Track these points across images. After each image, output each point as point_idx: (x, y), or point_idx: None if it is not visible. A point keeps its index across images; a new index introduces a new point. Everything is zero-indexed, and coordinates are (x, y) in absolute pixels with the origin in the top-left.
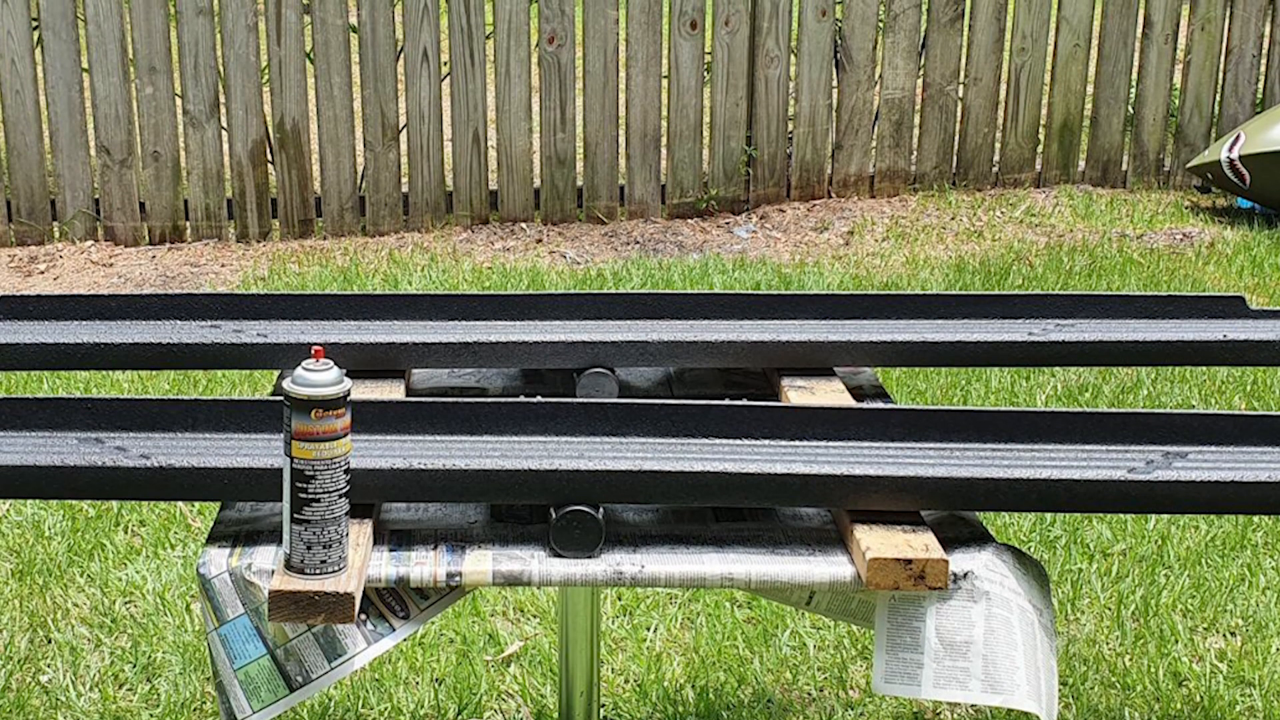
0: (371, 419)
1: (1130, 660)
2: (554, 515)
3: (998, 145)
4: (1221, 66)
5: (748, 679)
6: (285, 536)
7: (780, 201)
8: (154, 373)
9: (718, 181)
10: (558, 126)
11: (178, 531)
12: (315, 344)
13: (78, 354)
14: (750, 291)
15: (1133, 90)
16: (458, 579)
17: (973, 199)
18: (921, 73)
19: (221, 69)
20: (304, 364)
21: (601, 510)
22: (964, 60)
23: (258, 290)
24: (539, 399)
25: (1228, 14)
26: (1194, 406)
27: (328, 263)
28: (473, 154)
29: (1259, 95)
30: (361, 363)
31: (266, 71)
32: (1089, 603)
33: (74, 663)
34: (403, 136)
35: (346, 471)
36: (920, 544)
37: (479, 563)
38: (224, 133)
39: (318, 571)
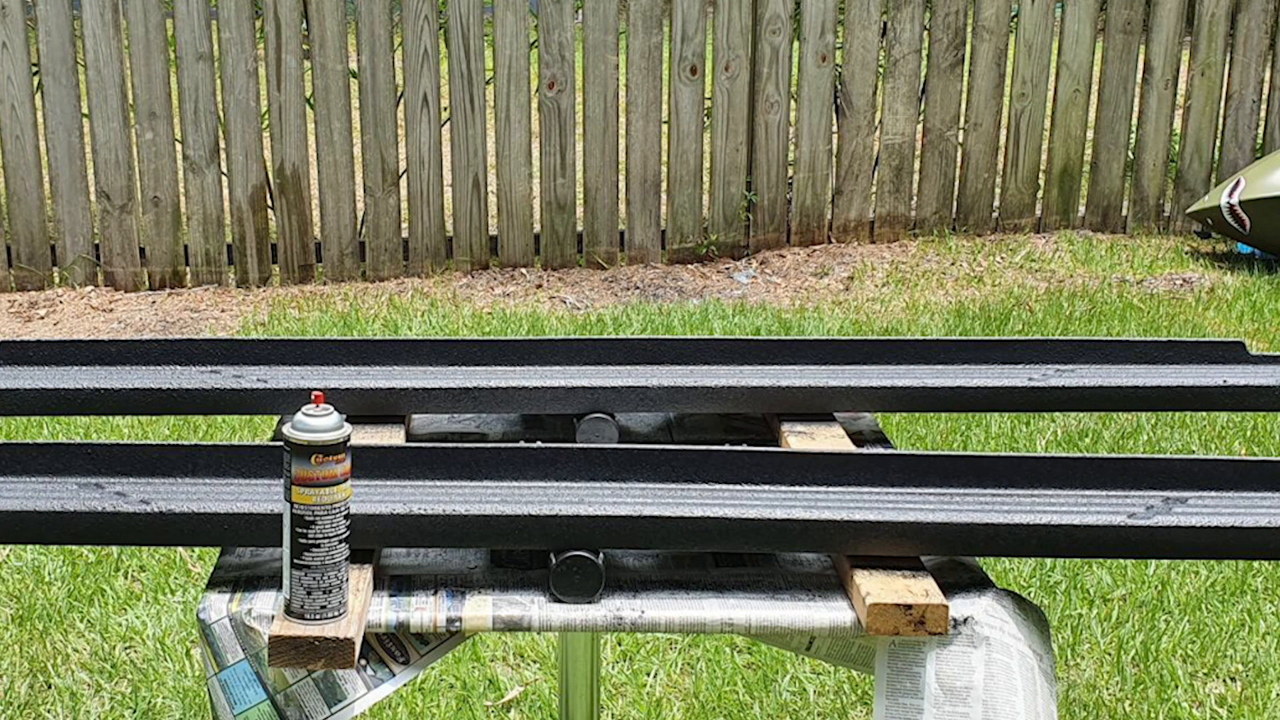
0: (371, 464)
1: (1130, 706)
2: (554, 560)
3: (998, 190)
4: (1221, 112)
5: None
6: (285, 582)
7: (780, 247)
8: (154, 418)
9: (718, 227)
10: (558, 172)
11: (178, 577)
12: (315, 389)
13: (78, 399)
14: (750, 337)
15: (1133, 135)
16: (458, 624)
17: (973, 244)
18: (921, 118)
19: (222, 114)
20: (304, 409)
21: (601, 555)
22: (964, 105)
23: (258, 336)
24: (539, 444)
25: (1228, 59)
26: (1194, 452)
27: (328, 308)
28: (473, 199)
29: (1259, 141)
30: (361, 408)
31: (266, 117)
32: (1089, 648)
33: (74, 708)
34: (403, 182)
35: (346, 517)
36: (920, 589)
37: (479, 608)
38: (224, 178)
39: (318, 617)
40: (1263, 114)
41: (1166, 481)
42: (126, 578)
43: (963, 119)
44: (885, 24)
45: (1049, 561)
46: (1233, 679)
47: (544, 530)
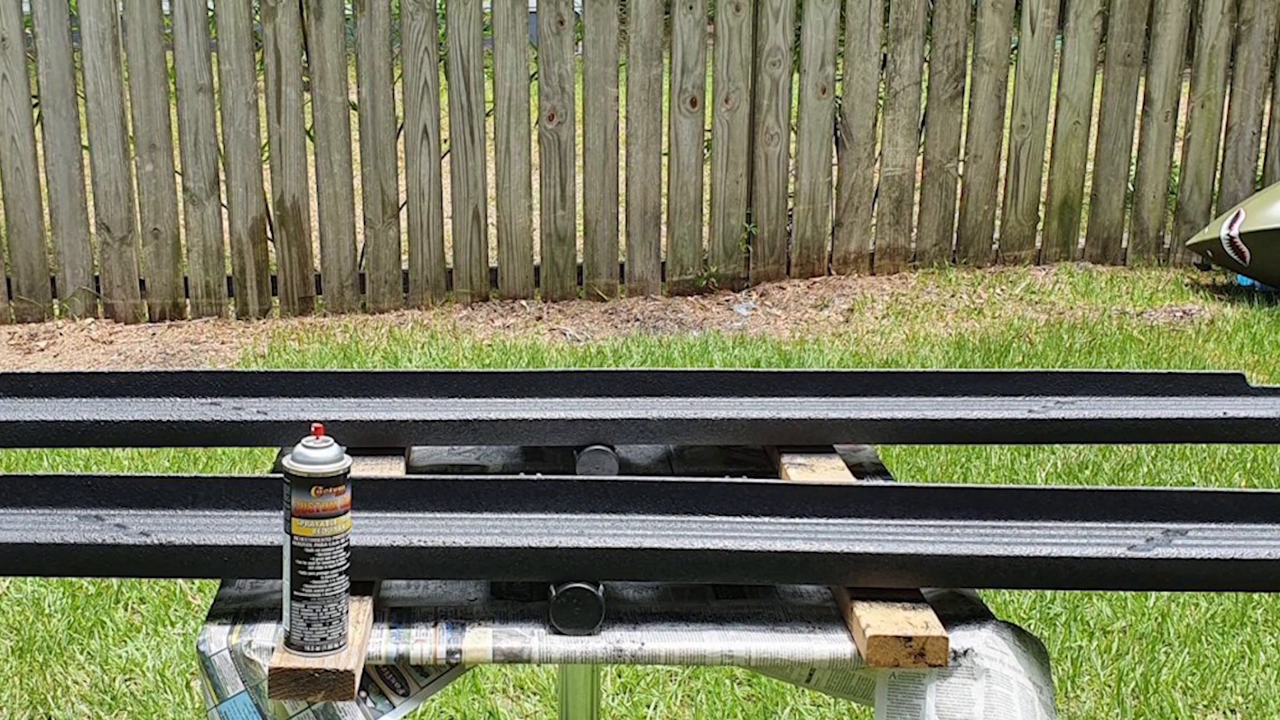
0: (371, 496)
1: None
2: (554, 592)
3: (998, 222)
4: (1221, 144)
5: None
6: (285, 614)
7: (780, 279)
8: (154, 450)
9: (718, 259)
10: (558, 204)
11: (178, 609)
12: (315, 421)
13: (78, 431)
14: (750, 369)
15: (1133, 167)
16: (458, 656)
17: (973, 276)
18: (921, 150)
19: (221, 146)
20: (304, 441)
21: (601, 587)
22: (964, 137)
23: (258, 368)
24: (539, 476)
25: (1228, 91)
26: (1194, 484)
27: (328, 340)
28: (473, 231)
29: (1259, 173)
30: (362, 440)
31: (266, 149)
32: (1089, 680)
33: None
34: (403, 214)
35: (346, 549)
36: (920, 621)
37: (479, 640)
38: (224, 210)
39: (318, 649)
40: (1263, 146)
41: (1166, 513)
42: (126, 610)
43: (963, 151)
44: (885, 56)
45: (1049, 593)
46: (1233, 711)
47: (544, 562)
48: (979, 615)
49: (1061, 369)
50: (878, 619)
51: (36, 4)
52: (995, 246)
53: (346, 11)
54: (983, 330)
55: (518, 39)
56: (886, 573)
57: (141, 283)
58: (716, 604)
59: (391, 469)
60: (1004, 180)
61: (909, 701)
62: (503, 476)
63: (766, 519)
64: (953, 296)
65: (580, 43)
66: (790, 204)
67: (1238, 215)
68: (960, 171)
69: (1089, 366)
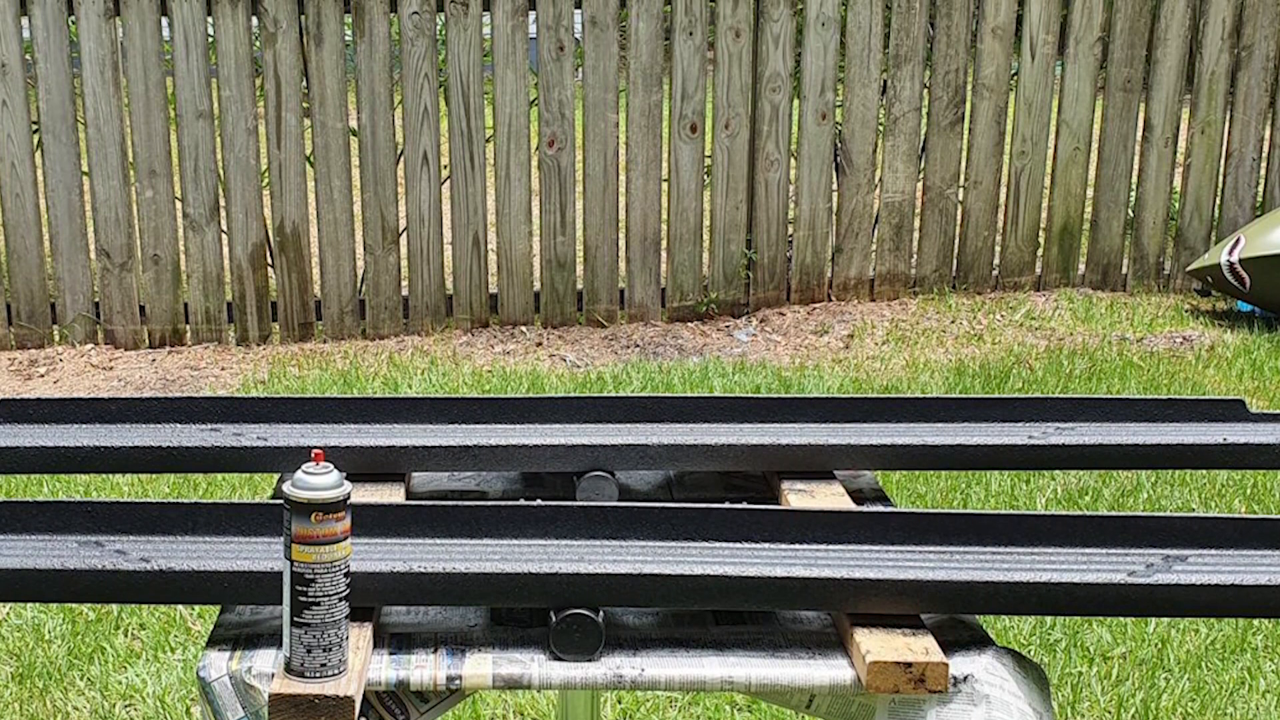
0: (371, 522)
1: None
2: (554, 618)
3: (998, 248)
4: (1221, 170)
5: None
6: (285, 639)
7: (780, 305)
8: (154, 476)
9: (718, 284)
10: (558, 229)
11: (178, 635)
12: (315, 447)
13: (78, 457)
14: (750, 395)
15: (1133, 193)
16: (458, 682)
17: (973, 302)
18: (921, 176)
19: (222, 172)
20: (304, 467)
21: (601, 613)
22: (964, 163)
23: (258, 393)
24: (539, 502)
25: (1228, 117)
26: (1194, 510)
27: (328, 366)
28: (473, 257)
29: (1259, 199)
30: (361, 466)
31: (266, 175)
32: (1089, 706)
33: None
34: (403, 240)
35: (346, 575)
36: (920, 647)
37: (479, 666)
38: (224, 236)
39: (318, 675)
40: (1263, 172)
41: (1166, 539)
42: (127, 635)
43: (963, 177)
44: (885, 82)
45: (1049, 619)
46: None
47: (544, 588)
48: (979, 641)
49: (1061, 395)
50: (878, 645)
51: (36, 30)
52: (995, 272)
53: (346, 38)
54: (983, 356)
55: (518, 65)
56: (887, 599)
57: (141, 309)
58: (716, 630)
59: (391, 495)
60: (1004, 206)
61: None
62: (503, 502)
63: (766, 545)
64: (953, 322)
65: (580, 69)
66: (790, 230)
67: (1238, 241)
68: (960, 197)
69: (1089, 392)
